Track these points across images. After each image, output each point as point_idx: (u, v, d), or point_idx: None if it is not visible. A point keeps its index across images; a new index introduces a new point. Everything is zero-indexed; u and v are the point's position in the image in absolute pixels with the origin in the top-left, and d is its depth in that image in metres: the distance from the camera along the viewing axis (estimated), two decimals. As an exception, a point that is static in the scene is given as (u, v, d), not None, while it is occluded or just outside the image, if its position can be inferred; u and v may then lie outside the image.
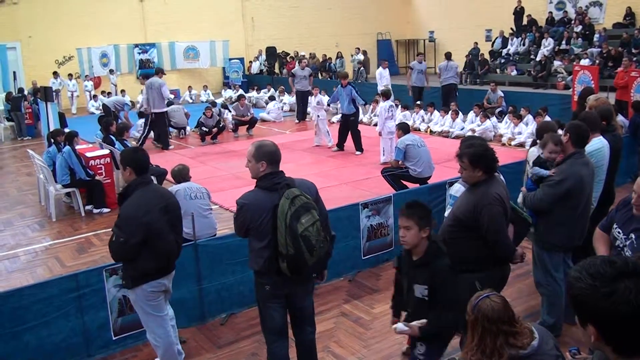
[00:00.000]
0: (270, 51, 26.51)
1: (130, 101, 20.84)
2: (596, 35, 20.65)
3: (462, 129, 14.07)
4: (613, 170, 5.54)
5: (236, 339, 5.31)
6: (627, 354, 1.68)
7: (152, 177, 4.78)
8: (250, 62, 26.52)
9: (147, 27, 24.23)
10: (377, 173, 10.74)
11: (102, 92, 21.61)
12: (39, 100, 16.26)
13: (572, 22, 22.21)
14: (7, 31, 21.35)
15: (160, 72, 14.71)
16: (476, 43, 24.14)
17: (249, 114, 15.92)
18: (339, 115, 14.29)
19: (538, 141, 5.48)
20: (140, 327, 4.80)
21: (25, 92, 18.60)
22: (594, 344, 1.74)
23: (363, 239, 6.53)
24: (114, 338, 5.06)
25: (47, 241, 8.27)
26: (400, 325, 3.50)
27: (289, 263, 3.72)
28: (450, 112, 14.62)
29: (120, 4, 23.28)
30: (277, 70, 26.10)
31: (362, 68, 24.66)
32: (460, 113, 14.68)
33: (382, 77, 17.35)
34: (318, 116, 13.50)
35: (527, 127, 12.99)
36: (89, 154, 9.75)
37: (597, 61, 18.74)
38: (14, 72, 21.06)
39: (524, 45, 23.18)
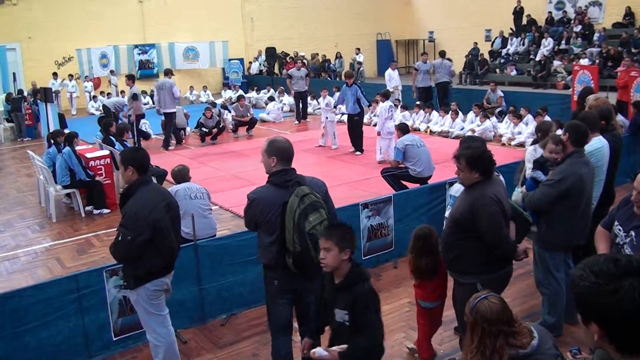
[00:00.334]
0: (270, 52, 26.52)
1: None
2: (596, 35, 20.67)
3: (462, 129, 14.07)
4: (613, 170, 5.54)
5: (236, 339, 5.31)
6: (630, 352, 1.68)
7: (152, 178, 4.79)
8: (250, 62, 26.54)
9: (147, 28, 24.24)
10: (377, 173, 10.73)
11: (102, 93, 21.64)
12: (38, 101, 16.26)
13: (572, 21, 22.23)
14: (6, 32, 21.37)
15: (170, 72, 14.89)
16: (476, 43, 24.16)
17: (248, 115, 15.91)
18: (339, 115, 14.26)
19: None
20: (140, 328, 4.79)
21: (25, 93, 18.60)
22: (596, 342, 1.74)
23: (363, 240, 6.52)
24: (114, 339, 5.06)
25: (47, 242, 8.27)
26: (319, 350, 3.32)
27: (295, 260, 3.78)
28: (450, 112, 14.62)
29: (120, 5, 23.29)
30: (276, 70, 26.11)
31: (362, 68, 24.66)
32: (460, 113, 14.68)
33: (392, 79, 17.13)
34: (327, 117, 13.44)
35: (527, 127, 12.98)
36: (89, 155, 9.74)
37: (597, 61, 18.75)
38: (14, 73, 21.07)
39: (523, 45, 23.19)
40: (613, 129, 5.86)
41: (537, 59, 21.46)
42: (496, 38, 24.51)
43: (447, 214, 4.95)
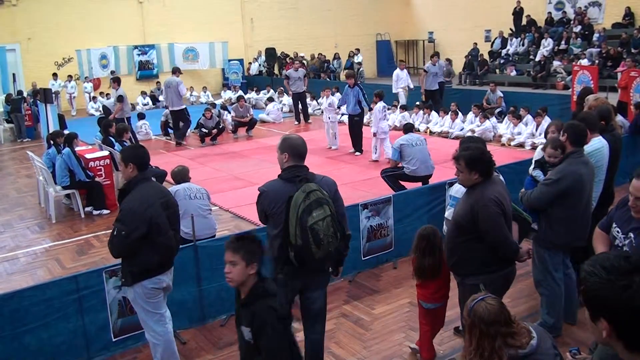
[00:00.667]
0: (270, 52, 26.53)
1: (130, 103, 20.90)
2: (595, 35, 20.67)
3: (461, 130, 14.07)
4: (612, 170, 5.54)
5: (236, 340, 5.29)
6: (639, 350, 1.68)
7: (152, 179, 4.83)
8: (250, 63, 26.53)
9: (146, 29, 24.24)
10: (376, 174, 10.74)
11: (101, 94, 21.63)
12: (38, 102, 16.26)
13: (571, 22, 22.23)
14: (6, 33, 21.39)
15: (177, 71, 15.08)
16: (475, 43, 24.17)
17: (248, 115, 15.92)
18: (339, 116, 14.22)
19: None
20: (140, 329, 4.80)
21: (25, 94, 18.60)
22: (604, 339, 1.74)
23: (363, 240, 6.52)
24: (113, 340, 5.05)
25: (46, 243, 8.27)
26: None
27: (296, 254, 3.82)
28: (449, 112, 14.63)
29: (120, 6, 23.30)
30: (276, 71, 26.11)
31: (361, 69, 24.67)
32: (459, 113, 14.68)
33: (400, 79, 16.84)
34: (329, 118, 13.42)
35: (527, 128, 12.99)
36: (88, 156, 9.74)
37: (596, 61, 18.76)
38: (14, 74, 21.06)
39: (523, 45, 23.20)
40: (613, 129, 5.86)
41: (537, 59, 21.46)
42: (496, 38, 24.51)
43: (446, 214, 4.95)
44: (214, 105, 17.14)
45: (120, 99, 13.39)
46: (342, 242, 3.97)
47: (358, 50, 26.06)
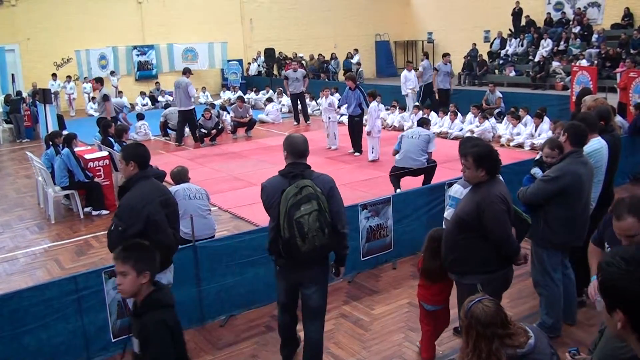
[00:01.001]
0: (269, 53, 26.53)
1: (130, 103, 20.92)
2: (594, 36, 20.68)
3: (460, 130, 14.08)
4: (612, 171, 5.54)
5: (235, 340, 5.31)
6: None
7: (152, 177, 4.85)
8: (249, 63, 26.52)
9: (146, 29, 24.23)
10: (375, 174, 10.76)
11: (100, 94, 21.61)
12: (37, 102, 16.25)
13: (571, 22, 22.25)
14: (5, 33, 21.36)
15: (188, 72, 15.15)
16: (474, 44, 24.19)
17: (247, 116, 15.92)
18: (338, 116, 14.21)
19: None
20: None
21: (24, 95, 18.59)
22: (619, 331, 1.73)
23: (362, 240, 6.52)
24: (113, 340, 5.04)
25: (46, 243, 8.26)
26: None
27: (283, 246, 3.99)
28: (448, 113, 14.63)
29: (119, 6, 23.29)
30: (275, 71, 26.12)
31: (360, 69, 24.66)
32: (459, 114, 14.69)
33: (408, 80, 16.64)
34: (329, 118, 13.41)
35: (526, 128, 12.99)
36: (87, 156, 9.73)
37: (596, 62, 18.77)
38: (13, 75, 21.05)
39: (522, 46, 23.22)
40: (612, 129, 5.86)
41: (536, 59, 21.49)
42: (495, 39, 24.52)
43: (446, 214, 4.95)
44: (213, 105, 17.16)
45: (106, 97, 13.34)
46: (332, 239, 4.05)
47: (356, 50, 26.07)
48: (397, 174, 8.97)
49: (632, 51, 18.84)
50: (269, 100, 20.03)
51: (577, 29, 21.59)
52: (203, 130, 14.82)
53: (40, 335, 4.70)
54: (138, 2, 23.92)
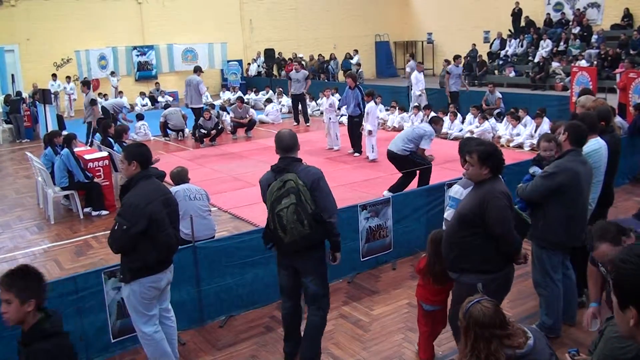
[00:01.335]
0: (269, 53, 26.54)
1: (130, 104, 20.91)
2: (594, 37, 20.70)
3: (460, 131, 14.08)
4: (612, 171, 5.55)
5: (235, 341, 5.31)
6: None
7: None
8: (249, 64, 26.52)
9: (145, 29, 24.23)
10: (375, 174, 10.76)
11: (99, 94, 21.61)
12: (37, 102, 16.26)
13: (570, 23, 22.26)
14: (5, 34, 21.36)
15: (198, 70, 15.53)
16: (474, 44, 24.19)
17: (247, 116, 15.92)
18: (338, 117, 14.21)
19: None
20: (139, 330, 4.79)
21: (24, 95, 18.59)
22: (630, 329, 1.73)
23: (362, 241, 6.53)
24: (112, 341, 5.05)
25: (45, 244, 8.26)
26: None
27: (271, 236, 4.35)
28: (448, 113, 14.62)
29: (119, 6, 23.30)
30: (275, 72, 26.12)
31: (360, 70, 24.67)
32: (458, 115, 14.69)
33: (418, 81, 16.39)
34: (330, 119, 13.40)
35: (526, 129, 13.00)
36: (87, 157, 9.73)
37: (595, 62, 18.78)
38: (12, 75, 21.05)
39: (522, 46, 23.23)
40: (612, 130, 5.87)
41: (536, 60, 21.50)
42: (495, 39, 24.53)
43: (446, 215, 4.96)
44: (212, 106, 17.15)
45: (94, 102, 13.31)
46: (315, 230, 4.20)
47: (356, 51, 26.06)
48: (389, 158, 9.17)
49: (631, 52, 18.85)
50: (269, 100, 20.03)
51: (576, 30, 21.60)
52: (203, 131, 14.82)
53: (40, 335, 4.69)
54: (138, 2, 23.92)
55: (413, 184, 8.83)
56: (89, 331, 4.94)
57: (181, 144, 15.39)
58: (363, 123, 12.08)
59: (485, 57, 23.79)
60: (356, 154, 12.63)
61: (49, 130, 12.44)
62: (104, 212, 9.34)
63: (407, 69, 17.34)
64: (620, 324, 1.80)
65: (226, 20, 25.73)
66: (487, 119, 14.04)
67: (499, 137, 13.48)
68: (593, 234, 3.37)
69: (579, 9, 22.18)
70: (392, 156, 9.02)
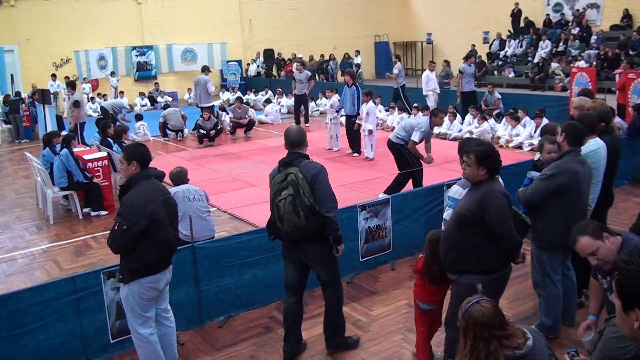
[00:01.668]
0: (268, 53, 26.53)
1: (129, 104, 20.91)
2: (593, 37, 20.70)
3: (459, 131, 14.09)
4: (612, 172, 5.55)
5: (234, 341, 5.31)
6: None
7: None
8: (248, 64, 26.52)
9: (145, 30, 24.23)
10: (374, 175, 10.76)
11: (99, 95, 21.64)
12: (36, 102, 16.25)
13: (570, 24, 22.27)
14: (4, 34, 21.36)
15: (206, 69, 15.82)
16: (473, 45, 24.18)
17: (246, 116, 15.92)
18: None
19: None
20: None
21: (24, 95, 18.58)
22: (634, 331, 1.71)
23: (361, 241, 6.52)
24: (111, 341, 5.04)
25: (44, 244, 8.25)
26: None
27: (273, 228, 4.56)
28: (447, 114, 14.61)
29: (118, 7, 23.30)
30: (274, 72, 26.10)
31: (360, 70, 24.68)
32: (458, 115, 14.70)
33: (430, 81, 16.00)
34: (331, 119, 13.37)
35: (525, 129, 13.00)
36: (86, 157, 9.73)
37: (594, 63, 18.78)
38: (12, 75, 21.03)
39: (521, 47, 23.24)
40: (612, 131, 5.88)
41: (535, 61, 21.51)
42: (494, 40, 24.54)
43: (445, 215, 4.96)
44: (212, 106, 17.15)
45: (77, 104, 13.23)
46: (311, 222, 4.36)
47: (358, 52, 26.00)
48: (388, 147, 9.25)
49: (631, 52, 18.86)
50: (268, 101, 20.04)
51: (576, 30, 21.61)
52: (202, 131, 14.82)
53: (39, 336, 4.69)
54: (137, 2, 23.92)
55: (412, 185, 8.84)
56: (88, 331, 4.93)
57: (180, 144, 15.38)
58: (363, 123, 12.07)
59: (484, 58, 23.79)
60: (355, 154, 12.63)
61: (48, 130, 12.43)
62: (103, 213, 9.34)
63: (395, 71, 17.41)
64: (623, 327, 1.79)
65: (226, 20, 25.72)
66: (486, 120, 14.04)
67: (498, 138, 13.49)
68: (573, 232, 3.41)
69: (578, 10, 22.19)
70: (389, 145, 9.11)
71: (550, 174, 4.63)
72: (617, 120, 9.72)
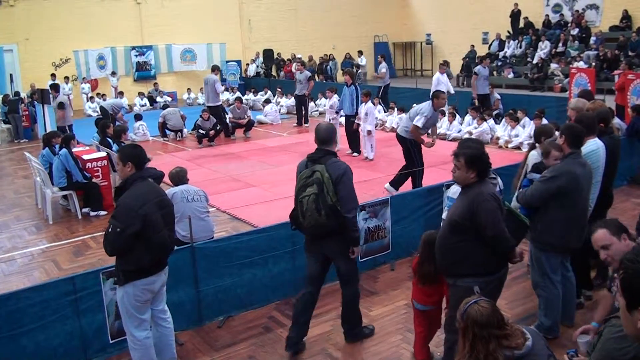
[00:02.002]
0: (267, 54, 26.52)
1: (128, 104, 20.90)
2: (593, 38, 20.71)
3: (459, 132, 14.09)
4: (611, 173, 5.56)
5: (233, 341, 5.31)
6: None
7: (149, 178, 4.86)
8: (247, 64, 26.51)
9: (144, 30, 24.22)
10: (374, 175, 10.76)
11: (98, 95, 21.62)
12: (35, 102, 16.25)
13: (569, 24, 22.27)
14: (4, 33, 21.34)
15: (216, 69, 16.19)
16: (473, 46, 24.21)
17: (246, 117, 15.92)
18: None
19: (537, 145, 5.53)
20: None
21: (23, 95, 18.57)
22: (638, 331, 1.71)
23: (360, 242, 6.51)
24: (110, 341, 5.03)
25: (43, 244, 8.25)
26: None
27: (294, 219, 4.71)
28: (447, 114, 14.63)
29: (118, 7, 23.28)
30: (274, 72, 26.10)
31: (365, 71, 24.68)
32: (457, 115, 14.70)
33: (440, 83, 15.15)
34: (331, 120, 13.33)
35: (524, 130, 13.00)
36: (85, 157, 9.73)
37: (594, 64, 18.79)
38: (11, 75, 21.02)
39: (520, 48, 23.24)
40: (611, 131, 5.88)
41: (534, 61, 21.51)
42: (493, 41, 24.55)
43: (444, 215, 4.97)
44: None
45: (62, 105, 13.19)
46: (331, 221, 4.50)
47: (360, 52, 25.88)
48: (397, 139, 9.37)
49: (630, 53, 18.87)
50: (267, 101, 20.03)
51: (575, 31, 21.61)
52: (201, 131, 14.82)
53: (38, 336, 4.69)
54: (137, 2, 23.90)
55: (410, 185, 8.84)
56: (88, 331, 4.93)
57: (179, 144, 15.38)
58: (362, 123, 12.07)
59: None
60: (355, 154, 12.63)
61: (48, 130, 12.43)
62: (102, 213, 9.34)
63: (383, 69, 17.49)
64: (627, 326, 1.79)
65: (225, 20, 25.71)
66: (485, 120, 14.05)
67: (498, 138, 13.50)
68: (595, 224, 3.39)
69: (577, 11, 22.20)
70: (398, 138, 9.23)
71: (551, 176, 4.63)
72: (616, 121, 9.72)
